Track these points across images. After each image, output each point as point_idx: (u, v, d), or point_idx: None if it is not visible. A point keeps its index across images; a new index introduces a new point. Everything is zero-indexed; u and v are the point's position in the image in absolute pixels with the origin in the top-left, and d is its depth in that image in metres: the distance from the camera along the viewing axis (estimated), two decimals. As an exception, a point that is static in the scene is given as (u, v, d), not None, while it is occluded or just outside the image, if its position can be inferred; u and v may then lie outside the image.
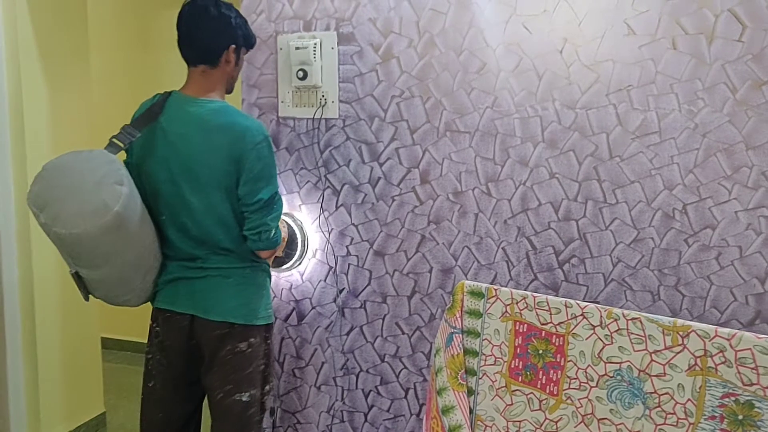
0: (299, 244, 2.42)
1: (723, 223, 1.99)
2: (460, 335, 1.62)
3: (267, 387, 2.20)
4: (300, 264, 2.46)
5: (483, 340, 1.60)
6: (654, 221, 2.06)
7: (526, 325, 1.55)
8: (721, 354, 1.32)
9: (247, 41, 2.10)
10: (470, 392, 1.61)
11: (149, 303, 2.17)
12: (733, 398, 1.31)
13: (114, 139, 1.94)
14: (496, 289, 1.58)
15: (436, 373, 1.63)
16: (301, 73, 2.33)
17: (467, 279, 2.25)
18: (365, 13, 2.28)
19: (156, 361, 2.16)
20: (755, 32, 1.91)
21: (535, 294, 1.52)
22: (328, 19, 2.33)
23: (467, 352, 1.61)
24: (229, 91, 2.11)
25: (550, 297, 1.51)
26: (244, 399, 2.08)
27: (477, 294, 1.60)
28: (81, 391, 3.24)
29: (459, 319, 1.62)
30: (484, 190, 2.22)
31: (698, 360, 1.34)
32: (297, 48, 2.33)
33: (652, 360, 1.40)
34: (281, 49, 2.38)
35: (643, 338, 1.41)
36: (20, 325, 2.88)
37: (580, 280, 2.14)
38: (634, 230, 2.08)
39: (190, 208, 1.99)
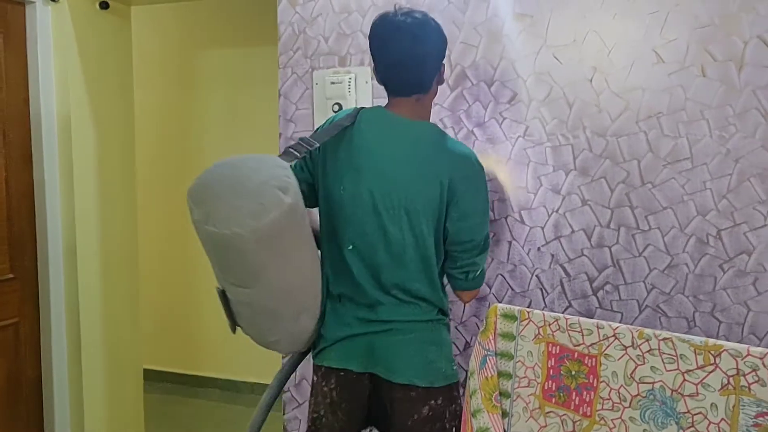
0: None
1: (759, 248, 1.99)
2: (494, 357, 1.64)
3: None
4: None
5: (516, 362, 1.61)
6: (688, 247, 2.06)
7: (558, 347, 1.56)
8: (754, 373, 1.32)
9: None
10: (504, 414, 1.62)
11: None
12: (767, 417, 1.31)
13: (289, 149, 1.75)
14: (528, 312, 1.60)
15: (470, 396, 1.65)
16: (336, 107, 2.40)
17: (501, 306, 2.27)
18: (398, 47, 2.35)
19: (328, 422, 1.88)
20: (785, 58, 1.92)
21: (567, 316, 1.54)
22: (362, 55, 2.40)
23: (501, 374, 1.63)
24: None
25: (582, 318, 1.53)
26: None
27: (510, 317, 1.62)
28: (123, 420, 3.30)
29: (492, 341, 1.64)
30: (517, 218, 2.24)
31: (731, 379, 1.34)
32: (332, 83, 2.40)
33: (684, 380, 1.40)
34: (317, 84, 2.46)
35: (675, 358, 1.41)
36: (66, 357, 2.96)
37: (615, 306, 2.14)
38: (667, 256, 2.08)
39: (389, 241, 1.74)
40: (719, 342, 1.37)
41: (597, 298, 2.16)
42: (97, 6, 2.98)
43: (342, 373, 1.82)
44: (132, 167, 3.31)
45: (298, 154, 1.74)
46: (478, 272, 1.84)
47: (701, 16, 2.00)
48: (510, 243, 2.25)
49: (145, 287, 3.79)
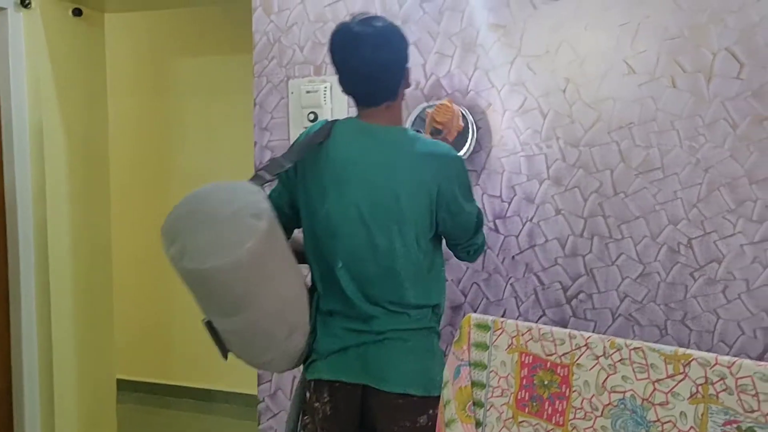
0: (467, 142, 2.21)
1: (729, 256, 2.02)
2: (468, 368, 1.63)
3: None
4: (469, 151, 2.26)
5: (490, 372, 1.61)
6: (660, 256, 2.08)
7: (531, 357, 1.56)
8: (722, 381, 1.33)
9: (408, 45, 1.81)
10: (478, 424, 1.62)
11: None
12: (735, 425, 1.31)
13: (260, 171, 1.71)
14: (501, 322, 1.60)
15: (444, 406, 1.65)
16: (312, 116, 2.40)
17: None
18: (373, 57, 2.36)
19: None
20: (754, 69, 1.96)
21: (540, 326, 1.55)
22: (338, 64, 2.40)
23: (475, 384, 1.63)
24: None
25: (554, 328, 1.53)
26: None
27: (483, 327, 1.63)
28: (96, 431, 3.26)
29: (466, 351, 1.64)
30: (491, 227, 2.25)
31: (700, 388, 1.35)
32: (308, 92, 2.40)
33: (654, 389, 1.41)
34: (292, 93, 2.46)
35: (646, 367, 1.42)
36: (37, 367, 2.92)
37: (588, 315, 2.16)
38: (640, 265, 2.10)
39: (379, 253, 1.71)
40: (689, 351, 1.38)
41: (571, 306, 2.18)
42: (70, 13, 2.96)
43: (336, 385, 1.77)
44: (106, 174, 3.29)
45: (268, 176, 1.70)
46: (478, 246, 1.88)
47: (671, 28, 2.03)
48: (485, 252, 2.26)
49: (120, 296, 3.75)
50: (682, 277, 2.06)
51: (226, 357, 1.74)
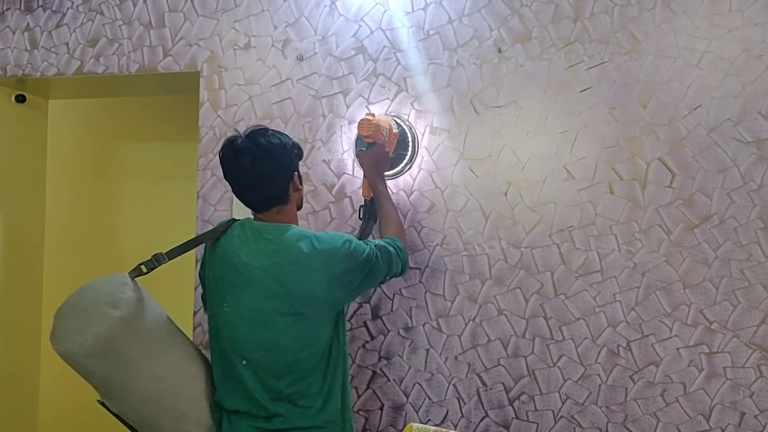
0: (410, 144, 2.25)
1: (666, 359, 2.05)
2: (410, 478, 1.61)
3: None
4: (411, 167, 2.29)
5: (432, 483, 1.59)
6: (600, 358, 2.10)
7: (474, 468, 1.55)
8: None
9: (301, 154, 1.94)
10: None
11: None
12: None
13: (141, 264, 1.82)
14: None
15: None
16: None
17: (418, 415, 2.24)
18: (320, 155, 2.38)
19: None
20: (683, 179, 2.04)
21: (483, 435, 1.54)
22: (284, 159, 2.41)
23: (416, 496, 1.60)
24: (300, 207, 1.98)
25: (497, 439, 1.53)
26: None
27: (426, 435, 1.61)
28: None
29: (408, 461, 1.61)
30: (434, 326, 2.25)
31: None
32: (253, 186, 2.39)
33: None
34: (238, 186, 2.44)
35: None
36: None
37: (530, 417, 2.15)
38: (581, 367, 2.11)
39: (281, 349, 1.77)
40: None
41: (513, 408, 2.17)
42: (13, 99, 2.92)
43: None
44: (40, 260, 3.20)
45: (145, 270, 1.81)
46: (402, 267, 2.00)
47: (608, 138, 2.11)
48: (427, 351, 2.25)
49: (48, 387, 3.57)
50: (622, 379, 2.08)
51: None
